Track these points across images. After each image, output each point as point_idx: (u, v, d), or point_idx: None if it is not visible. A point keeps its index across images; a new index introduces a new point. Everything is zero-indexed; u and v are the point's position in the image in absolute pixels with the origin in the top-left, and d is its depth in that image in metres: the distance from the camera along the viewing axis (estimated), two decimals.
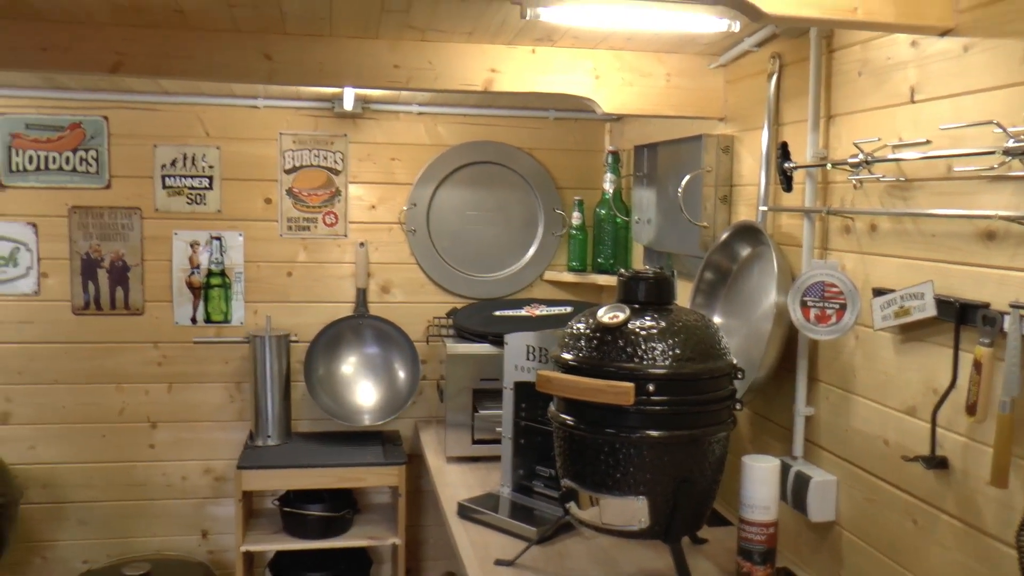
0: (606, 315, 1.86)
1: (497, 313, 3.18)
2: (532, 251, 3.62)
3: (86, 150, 3.39)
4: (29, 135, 3.36)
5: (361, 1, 2.01)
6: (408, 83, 2.34)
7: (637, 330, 1.83)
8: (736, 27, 2.03)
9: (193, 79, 2.29)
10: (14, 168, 3.36)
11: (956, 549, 1.63)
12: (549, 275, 3.64)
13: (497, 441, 2.92)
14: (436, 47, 2.36)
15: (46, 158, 3.38)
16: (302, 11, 2.08)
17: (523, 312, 3.18)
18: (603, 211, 3.45)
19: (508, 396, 2.53)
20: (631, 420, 1.80)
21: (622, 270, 1.98)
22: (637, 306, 1.91)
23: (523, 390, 2.52)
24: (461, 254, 3.58)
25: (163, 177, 3.43)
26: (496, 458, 2.90)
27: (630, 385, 1.74)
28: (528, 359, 2.47)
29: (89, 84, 3.27)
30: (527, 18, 1.84)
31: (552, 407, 1.97)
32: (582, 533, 2.30)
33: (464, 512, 2.43)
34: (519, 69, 2.42)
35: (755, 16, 1.52)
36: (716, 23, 2.02)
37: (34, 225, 3.39)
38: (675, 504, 1.85)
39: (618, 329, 1.83)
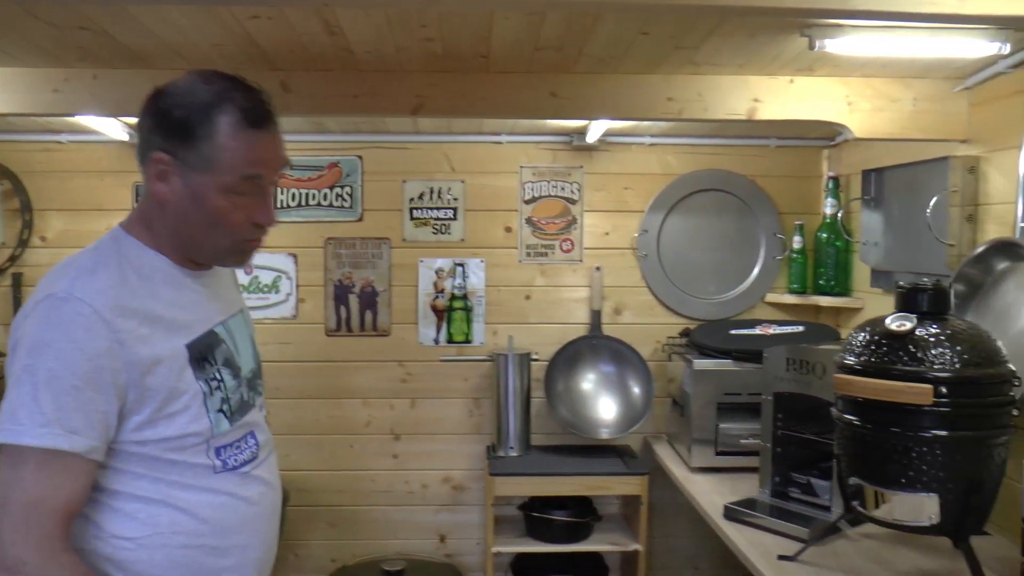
0: (894, 324, 2.00)
1: (733, 332, 3.34)
2: (754, 274, 3.77)
3: (342, 187, 3.75)
4: (292, 175, 3.75)
5: (657, 41, 2.24)
6: (680, 114, 2.56)
7: (926, 337, 1.96)
8: (1007, 49, 2.16)
9: (486, 117, 2.57)
10: (278, 205, 3.74)
11: None
12: (770, 297, 3.77)
13: (740, 453, 3.10)
14: (705, 79, 2.57)
15: (306, 195, 3.75)
16: (601, 52, 2.33)
17: (757, 331, 3.32)
18: (824, 235, 3.57)
19: (767, 406, 2.68)
20: (923, 421, 1.93)
21: (900, 283, 2.11)
22: (917, 315, 2.04)
23: (781, 401, 2.67)
24: (688, 277, 3.76)
25: (411, 209, 3.75)
26: (739, 469, 3.08)
27: (928, 387, 1.87)
28: (787, 371, 2.62)
29: (349, 127, 3.63)
30: (815, 49, 2.02)
31: (835, 410, 2.11)
32: (847, 535, 2.43)
33: (732, 514, 2.59)
34: (778, 98, 2.61)
35: None
36: (987, 47, 2.15)
37: (294, 256, 3.76)
38: (965, 503, 1.96)
39: (907, 336, 1.97)
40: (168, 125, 1.53)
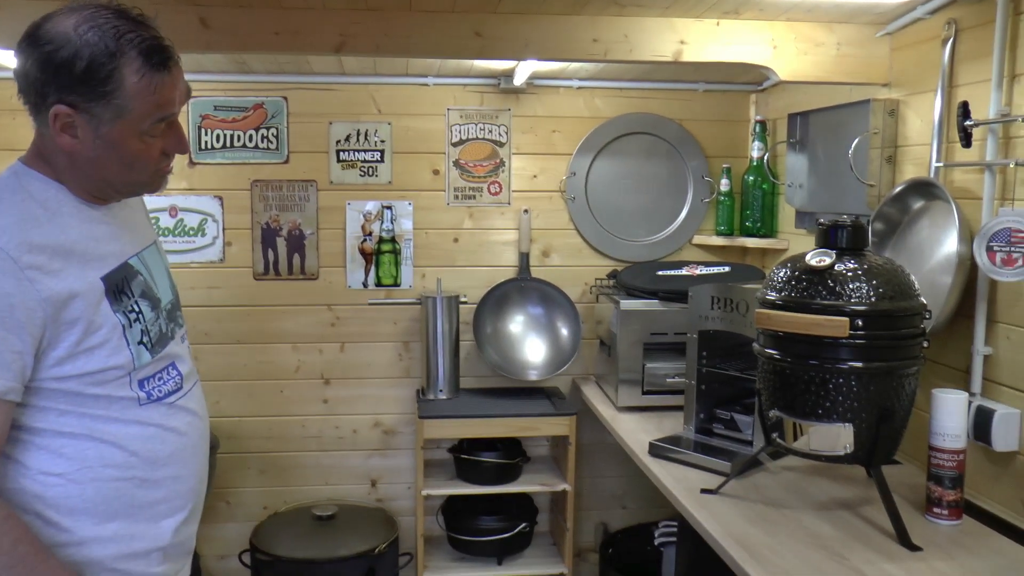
0: (813, 259, 2.05)
1: (660, 273, 3.38)
2: (682, 216, 3.81)
3: (267, 128, 3.68)
4: (217, 116, 3.66)
5: None
6: (606, 55, 2.55)
7: (844, 272, 2.01)
8: None
9: (411, 56, 2.52)
10: (203, 146, 3.66)
11: None
12: (698, 239, 3.83)
13: (666, 392, 3.16)
14: (631, 21, 2.56)
15: (231, 136, 3.67)
16: None
17: (684, 272, 3.37)
18: (751, 177, 3.63)
19: (692, 343, 2.73)
20: (840, 353, 1.99)
21: (821, 219, 2.16)
22: (836, 251, 2.09)
23: (706, 339, 2.72)
24: (616, 220, 3.79)
25: (337, 152, 3.70)
26: (664, 408, 3.14)
27: (845, 319, 1.93)
28: (712, 309, 2.67)
29: (273, 67, 3.54)
30: None
31: (757, 345, 2.16)
32: (768, 468, 2.50)
33: (656, 451, 2.64)
34: (704, 41, 2.62)
35: None
36: None
37: (220, 198, 3.69)
38: (877, 432, 2.03)
39: (826, 271, 2.02)
40: (66, 77, 1.45)
